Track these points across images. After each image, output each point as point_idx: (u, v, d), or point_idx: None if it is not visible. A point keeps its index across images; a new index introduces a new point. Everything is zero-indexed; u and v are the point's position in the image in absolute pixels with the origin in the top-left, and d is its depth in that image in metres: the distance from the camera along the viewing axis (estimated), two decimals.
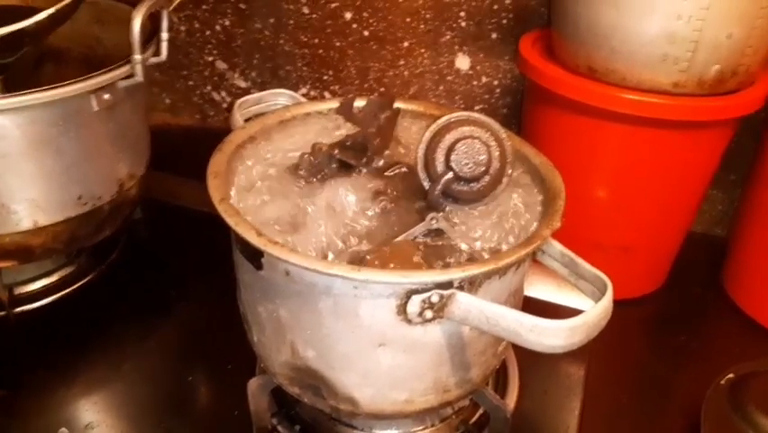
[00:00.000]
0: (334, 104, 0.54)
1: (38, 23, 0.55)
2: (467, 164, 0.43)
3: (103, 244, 0.67)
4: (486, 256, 0.43)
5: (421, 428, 0.52)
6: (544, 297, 0.64)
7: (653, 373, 0.63)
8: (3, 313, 0.61)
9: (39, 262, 0.64)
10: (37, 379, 0.56)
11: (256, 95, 0.56)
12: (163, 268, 0.72)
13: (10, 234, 0.56)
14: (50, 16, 0.55)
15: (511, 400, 0.54)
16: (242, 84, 0.96)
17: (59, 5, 0.56)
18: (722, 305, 0.72)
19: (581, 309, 0.36)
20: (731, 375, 0.56)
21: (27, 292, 0.64)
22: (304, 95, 0.93)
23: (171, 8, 0.62)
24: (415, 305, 0.37)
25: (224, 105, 0.99)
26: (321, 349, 0.41)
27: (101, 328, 0.62)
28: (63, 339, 0.61)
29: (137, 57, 0.56)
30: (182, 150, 0.88)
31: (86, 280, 0.67)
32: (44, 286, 0.65)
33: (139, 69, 0.57)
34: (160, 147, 0.70)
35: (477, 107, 0.86)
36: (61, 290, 0.65)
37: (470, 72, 0.84)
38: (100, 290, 0.66)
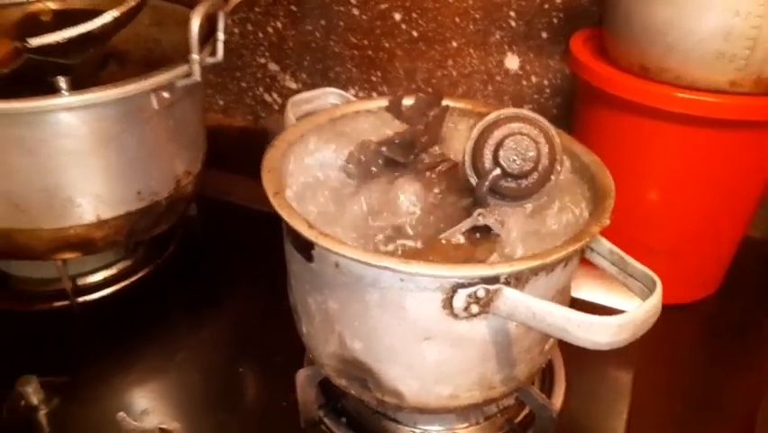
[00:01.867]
0: (384, 102, 0.54)
1: (103, 26, 0.57)
2: (515, 161, 0.43)
3: (159, 239, 0.70)
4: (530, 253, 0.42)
5: (465, 425, 0.52)
6: (591, 299, 0.63)
7: (704, 382, 0.61)
8: (67, 303, 0.64)
9: (100, 255, 0.67)
10: (96, 366, 0.59)
11: (307, 93, 0.57)
12: (216, 263, 0.74)
13: (74, 227, 0.59)
14: (114, 19, 0.58)
15: (557, 400, 0.54)
16: (293, 85, 0.98)
17: (122, 8, 0.59)
18: None
19: (626, 310, 0.35)
20: None
21: (89, 283, 0.67)
22: (352, 95, 0.94)
23: (228, 9, 0.64)
24: (460, 299, 0.38)
25: (276, 107, 1.01)
26: (368, 341, 0.42)
27: (156, 319, 0.65)
28: (121, 329, 0.64)
29: (195, 56, 0.58)
30: (235, 149, 0.90)
31: (143, 272, 0.69)
32: (105, 278, 0.68)
33: (196, 68, 0.59)
34: (213, 147, 0.73)
35: (526, 107, 0.84)
36: (120, 282, 0.68)
37: (520, 72, 0.83)
38: (156, 283, 0.69)
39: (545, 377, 0.56)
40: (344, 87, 0.94)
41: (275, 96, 1.00)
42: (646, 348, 0.53)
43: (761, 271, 0.74)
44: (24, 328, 0.63)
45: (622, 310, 0.35)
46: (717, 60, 0.55)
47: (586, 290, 0.63)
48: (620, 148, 0.63)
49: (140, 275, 0.69)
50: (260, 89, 1.01)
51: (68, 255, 0.62)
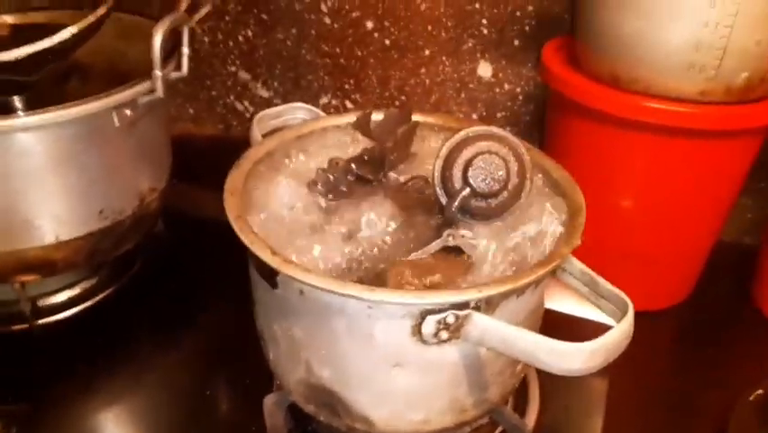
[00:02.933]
0: (352, 118, 0.53)
1: (63, 41, 0.56)
2: (485, 180, 0.43)
3: (124, 257, 0.68)
4: (503, 274, 0.42)
5: None
6: (563, 309, 0.63)
7: (679, 389, 0.61)
8: (26, 326, 0.62)
9: (61, 275, 0.65)
10: (58, 392, 0.57)
11: (275, 109, 0.56)
12: (184, 280, 0.72)
13: (33, 249, 0.57)
14: (74, 34, 0.56)
15: (531, 418, 0.53)
16: (265, 94, 0.97)
17: (82, 24, 0.57)
18: (751, 317, 0.69)
19: (602, 322, 0.35)
20: (760, 391, 0.54)
21: (50, 305, 0.65)
22: (325, 104, 0.93)
23: (192, 23, 0.63)
24: (430, 326, 0.37)
25: (247, 115, 0.99)
26: (336, 368, 0.41)
27: (121, 341, 0.63)
28: (84, 352, 0.61)
29: (158, 73, 0.56)
30: (205, 160, 0.89)
31: (107, 292, 0.67)
32: (67, 298, 0.66)
33: (159, 84, 0.57)
34: (183, 157, 0.71)
35: (499, 115, 0.85)
36: (83, 302, 0.65)
37: (493, 80, 0.83)
38: (121, 303, 0.67)
39: (519, 394, 0.55)
40: (317, 96, 0.93)
41: (246, 104, 0.99)
42: (620, 356, 0.53)
43: (732, 275, 0.75)
44: None
45: (595, 321, 0.35)
46: (687, 71, 0.55)
47: (558, 300, 0.62)
48: (592, 156, 0.63)
49: (104, 295, 0.67)
50: (231, 98, 0.99)
51: (26, 278, 0.60)
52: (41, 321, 0.63)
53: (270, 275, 0.40)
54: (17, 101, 0.58)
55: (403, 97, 0.88)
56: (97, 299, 0.66)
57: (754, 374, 0.59)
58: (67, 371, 0.59)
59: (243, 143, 0.50)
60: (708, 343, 0.66)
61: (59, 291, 0.66)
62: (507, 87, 0.83)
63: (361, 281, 0.40)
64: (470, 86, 0.84)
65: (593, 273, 0.40)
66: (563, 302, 0.63)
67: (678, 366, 0.64)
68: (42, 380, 0.58)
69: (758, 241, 0.74)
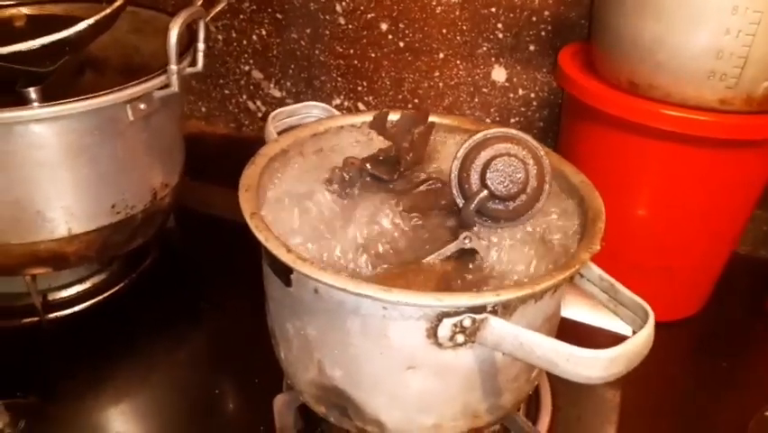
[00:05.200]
0: (368, 117, 0.53)
1: (79, 33, 0.55)
2: (503, 182, 0.42)
3: (136, 252, 0.68)
4: (519, 279, 0.41)
5: None
6: (579, 318, 0.62)
7: (693, 401, 0.60)
8: (36, 319, 0.62)
9: (72, 269, 0.65)
10: (66, 386, 0.56)
11: (290, 107, 0.56)
12: (195, 277, 0.72)
13: (45, 242, 0.57)
14: (90, 26, 0.56)
15: (543, 426, 0.52)
16: (277, 94, 0.96)
17: (99, 15, 0.57)
18: (764, 331, 0.69)
19: (619, 333, 0.34)
20: None
21: (60, 298, 0.65)
22: (337, 105, 0.92)
23: (209, 18, 0.62)
24: (446, 328, 0.36)
25: (259, 115, 0.99)
26: (348, 369, 0.40)
27: (131, 337, 0.63)
28: (94, 347, 0.61)
29: (173, 67, 0.56)
30: (217, 158, 0.88)
31: (118, 287, 0.67)
32: (77, 293, 0.66)
33: (174, 79, 0.57)
34: (194, 155, 0.71)
35: (512, 120, 0.84)
36: (94, 297, 0.65)
37: (507, 84, 0.82)
38: (132, 298, 0.67)
39: (531, 402, 0.55)
40: (329, 96, 0.93)
41: (258, 103, 0.99)
42: (634, 368, 0.52)
43: (747, 287, 0.74)
44: None
45: (611, 331, 0.34)
46: (707, 79, 0.55)
47: (574, 308, 0.62)
48: (608, 164, 0.62)
49: (114, 290, 0.66)
50: (244, 97, 0.99)
51: (37, 271, 0.59)
52: (51, 315, 0.63)
53: (285, 273, 0.39)
54: (32, 92, 0.57)
55: (416, 100, 0.88)
56: (108, 294, 0.66)
57: None
58: (76, 365, 0.59)
59: (255, 143, 0.49)
60: (723, 355, 0.66)
61: (70, 285, 0.66)
62: (521, 92, 0.82)
63: (375, 282, 0.40)
64: (484, 90, 0.84)
65: (612, 280, 0.39)
66: (575, 310, 0.62)
67: (692, 378, 0.64)
68: (51, 374, 0.58)
69: None
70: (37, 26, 0.58)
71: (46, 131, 0.53)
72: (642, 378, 0.58)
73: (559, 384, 0.56)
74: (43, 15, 0.68)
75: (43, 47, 0.54)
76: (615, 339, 0.34)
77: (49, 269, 0.60)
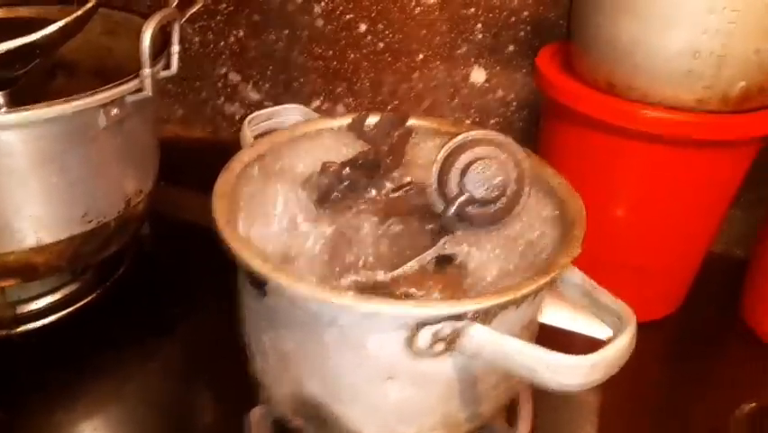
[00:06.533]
0: (346, 120, 0.52)
1: (48, 36, 0.54)
2: (482, 186, 0.42)
3: (109, 260, 0.66)
4: (494, 282, 0.41)
5: None
6: (554, 323, 0.61)
7: (669, 402, 0.60)
8: (5, 332, 0.60)
9: (43, 280, 0.63)
10: (37, 401, 0.55)
11: (266, 110, 0.55)
12: (170, 286, 0.71)
13: (14, 252, 0.55)
14: (60, 29, 0.54)
15: (524, 431, 0.52)
16: (255, 96, 0.95)
17: (69, 18, 0.55)
18: (739, 330, 0.68)
19: (595, 338, 0.34)
20: (752, 405, 0.54)
21: (31, 311, 0.63)
22: (317, 107, 0.92)
23: (184, 20, 0.61)
24: (425, 338, 0.35)
25: (237, 118, 0.98)
26: (326, 381, 0.39)
27: (104, 348, 0.61)
28: (65, 359, 0.59)
29: (146, 71, 0.55)
30: (193, 163, 0.87)
31: (90, 297, 0.65)
32: (48, 304, 0.64)
33: (148, 83, 0.55)
34: (170, 160, 0.69)
35: (492, 121, 0.84)
36: (66, 308, 0.63)
37: (486, 85, 0.82)
38: (105, 308, 0.65)
39: (512, 407, 0.54)
40: (308, 98, 0.92)
41: (236, 106, 0.97)
42: None
43: (722, 286, 0.74)
44: None
45: (587, 335, 0.33)
46: (685, 78, 0.55)
47: (549, 313, 0.61)
48: (586, 165, 0.62)
49: (86, 300, 0.64)
50: (221, 99, 0.98)
51: (6, 282, 0.58)
52: (21, 328, 0.61)
53: (260, 283, 0.38)
54: (0, 97, 0.56)
55: (395, 102, 0.87)
56: (80, 304, 0.64)
57: (743, 388, 0.58)
58: (47, 379, 0.57)
59: (233, 147, 0.48)
60: (698, 355, 0.66)
61: (41, 297, 0.64)
62: (500, 92, 0.82)
63: (354, 291, 0.39)
64: (464, 91, 0.83)
65: (593, 283, 0.39)
66: (553, 316, 0.62)
67: (668, 378, 0.64)
68: (21, 388, 0.56)
69: (748, 253, 0.74)
70: (6, 30, 0.56)
71: (13, 137, 0.51)
72: (620, 379, 0.58)
73: (539, 390, 0.55)
74: (12, 18, 0.66)
75: (12, 51, 0.52)
76: (589, 343, 0.34)
77: (18, 280, 0.58)
